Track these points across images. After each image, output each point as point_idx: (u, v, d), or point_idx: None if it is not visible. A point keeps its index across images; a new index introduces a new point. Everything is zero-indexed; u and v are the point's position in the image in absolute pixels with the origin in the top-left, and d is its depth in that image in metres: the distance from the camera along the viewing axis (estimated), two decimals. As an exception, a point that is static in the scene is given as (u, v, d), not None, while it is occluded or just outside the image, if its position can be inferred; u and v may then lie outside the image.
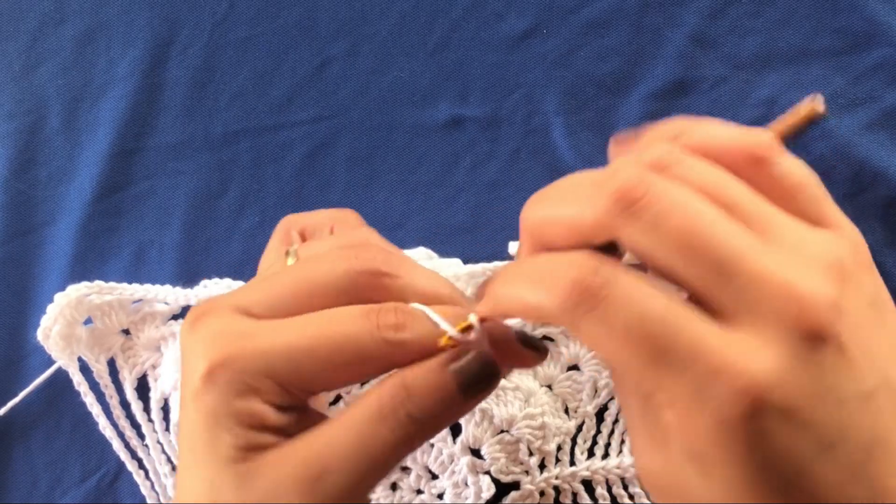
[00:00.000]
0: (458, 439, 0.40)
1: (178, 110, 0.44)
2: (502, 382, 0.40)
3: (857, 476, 0.22)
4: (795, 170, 0.24)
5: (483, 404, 0.40)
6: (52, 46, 0.45)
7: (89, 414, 0.40)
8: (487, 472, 0.41)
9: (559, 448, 0.41)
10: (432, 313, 0.26)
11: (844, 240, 0.24)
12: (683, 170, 0.23)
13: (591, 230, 0.23)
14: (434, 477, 0.41)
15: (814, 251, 0.22)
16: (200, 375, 0.25)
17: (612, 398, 0.41)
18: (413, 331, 0.25)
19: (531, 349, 0.27)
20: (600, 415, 0.41)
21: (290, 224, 0.36)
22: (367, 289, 0.26)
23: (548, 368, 0.41)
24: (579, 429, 0.41)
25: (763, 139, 0.24)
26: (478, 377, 0.25)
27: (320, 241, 0.32)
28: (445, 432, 0.40)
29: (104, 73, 0.44)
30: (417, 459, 0.41)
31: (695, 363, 0.21)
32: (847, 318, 0.21)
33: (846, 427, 0.22)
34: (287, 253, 0.31)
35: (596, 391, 0.41)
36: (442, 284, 0.27)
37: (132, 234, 0.43)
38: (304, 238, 0.35)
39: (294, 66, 0.44)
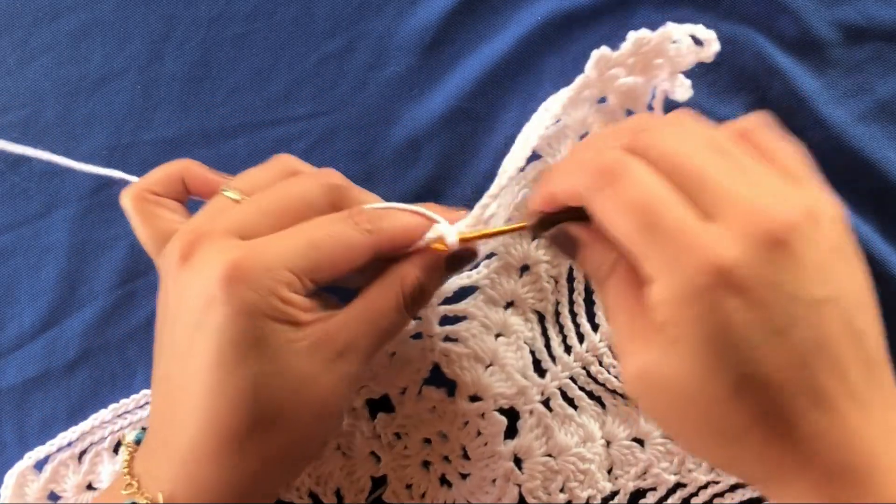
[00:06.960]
0: (511, 443, 0.41)
1: (174, 105, 0.44)
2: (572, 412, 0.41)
3: (798, 367, 0.26)
4: (777, 139, 0.29)
5: (550, 422, 0.40)
6: (47, 41, 0.45)
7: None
8: (518, 486, 0.41)
9: (588, 500, 0.41)
10: (420, 209, 0.34)
11: (820, 196, 0.28)
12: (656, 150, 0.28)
13: (576, 198, 0.29)
14: (466, 457, 0.41)
15: (786, 193, 0.27)
16: (217, 282, 0.29)
17: (653, 488, 0.41)
18: (386, 222, 0.33)
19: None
20: (636, 496, 0.41)
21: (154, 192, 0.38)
22: (337, 200, 0.34)
23: (614, 426, 0.41)
24: (613, 495, 0.41)
25: (750, 119, 0.30)
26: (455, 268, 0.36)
27: (254, 173, 0.36)
28: (501, 425, 0.40)
29: (100, 68, 0.44)
30: (461, 438, 0.41)
31: (676, 237, 0.26)
32: (805, 239, 0.26)
33: (795, 319, 0.26)
34: (223, 191, 0.35)
35: (646, 473, 0.41)
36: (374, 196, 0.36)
37: (127, 226, 0.43)
38: (189, 191, 0.38)
39: (291, 61, 0.44)
